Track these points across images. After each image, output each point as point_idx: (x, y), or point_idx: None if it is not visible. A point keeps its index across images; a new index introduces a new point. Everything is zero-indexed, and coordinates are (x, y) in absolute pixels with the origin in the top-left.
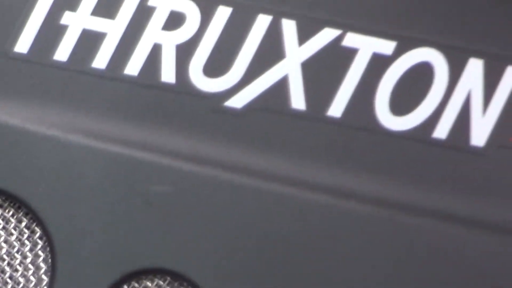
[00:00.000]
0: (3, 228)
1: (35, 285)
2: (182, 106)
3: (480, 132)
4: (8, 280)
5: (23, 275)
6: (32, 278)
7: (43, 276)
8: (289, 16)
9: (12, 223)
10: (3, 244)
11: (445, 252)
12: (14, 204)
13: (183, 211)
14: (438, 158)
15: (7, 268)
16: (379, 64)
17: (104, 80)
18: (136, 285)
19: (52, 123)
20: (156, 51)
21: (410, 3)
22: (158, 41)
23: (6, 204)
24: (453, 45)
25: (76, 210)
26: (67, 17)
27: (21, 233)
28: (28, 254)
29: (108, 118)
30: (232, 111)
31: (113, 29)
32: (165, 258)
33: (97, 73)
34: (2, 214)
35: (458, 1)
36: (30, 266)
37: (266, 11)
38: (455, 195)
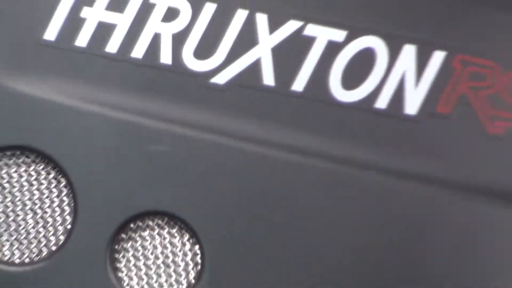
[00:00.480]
0: (36, 179)
1: (61, 223)
2: (176, 82)
3: (413, 103)
4: (39, 220)
5: (51, 216)
6: (58, 218)
7: (67, 217)
8: (262, 10)
9: (42, 175)
10: (36, 192)
11: (381, 201)
12: (44, 160)
13: (177, 165)
14: (379, 124)
15: (38, 211)
16: (333, 49)
17: (115, 61)
18: (140, 223)
19: (75, 96)
20: (156, 38)
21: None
22: (158, 31)
23: (38, 160)
24: (391, 33)
25: (93, 164)
26: (85, 11)
27: (49, 182)
28: (55, 199)
29: (117, 91)
30: (216, 86)
31: (122, 21)
32: (164, 203)
33: (109, 56)
34: (34, 168)
35: None
36: (56, 208)
37: (243, 7)
38: (393, 154)
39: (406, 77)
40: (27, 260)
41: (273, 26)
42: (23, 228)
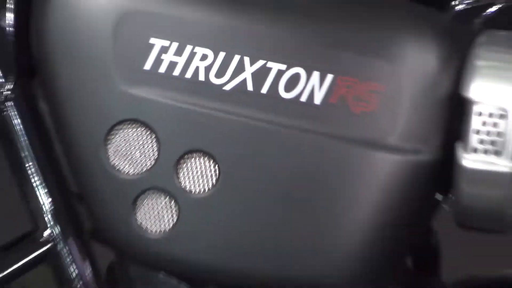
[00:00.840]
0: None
1: (152, 155)
2: (208, 89)
3: (318, 98)
4: (142, 154)
5: (147, 151)
6: (150, 153)
7: (155, 153)
8: (246, 55)
9: (143, 132)
10: (140, 141)
11: (302, 149)
12: (143, 126)
13: (206, 128)
14: (303, 108)
15: (142, 149)
16: (280, 73)
17: (177, 79)
18: (190, 154)
19: (158, 95)
20: (197, 68)
21: (295, 49)
22: (197, 64)
23: (139, 125)
24: (308, 66)
25: (168, 129)
26: (163, 56)
27: (146, 137)
28: (149, 144)
29: (178, 93)
30: (226, 91)
31: (180, 60)
32: (201, 145)
33: (176, 77)
34: (140, 129)
35: (316, 45)
36: (150, 149)
37: (238, 54)
38: (309, 122)
39: (315, 87)
40: (132, 172)
41: (252, 62)
42: (132, 158)
